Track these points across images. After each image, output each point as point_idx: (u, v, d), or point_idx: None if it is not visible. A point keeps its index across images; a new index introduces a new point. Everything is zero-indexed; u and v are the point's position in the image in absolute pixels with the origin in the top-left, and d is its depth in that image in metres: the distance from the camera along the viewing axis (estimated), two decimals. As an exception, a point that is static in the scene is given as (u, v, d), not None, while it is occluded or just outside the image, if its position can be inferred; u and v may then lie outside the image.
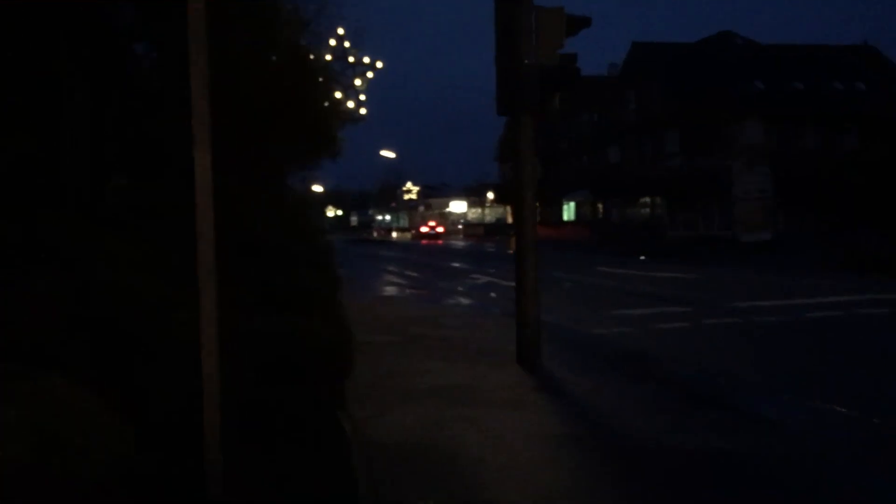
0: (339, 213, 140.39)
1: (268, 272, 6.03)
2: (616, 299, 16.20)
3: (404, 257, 39.18)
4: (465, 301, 16.87)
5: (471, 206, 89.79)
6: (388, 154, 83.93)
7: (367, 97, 18.96)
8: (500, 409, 6.72)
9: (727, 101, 45.89)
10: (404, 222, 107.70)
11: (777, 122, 46.10)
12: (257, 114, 13.77)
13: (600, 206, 60.24)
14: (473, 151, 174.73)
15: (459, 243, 58.70)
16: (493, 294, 17.71)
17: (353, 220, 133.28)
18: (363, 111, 18.98)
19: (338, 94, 18.31)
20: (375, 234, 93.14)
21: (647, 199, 53.39)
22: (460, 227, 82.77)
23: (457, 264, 30.86)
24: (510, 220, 71.61)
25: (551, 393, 7.49)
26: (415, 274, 26.02)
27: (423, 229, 78.49)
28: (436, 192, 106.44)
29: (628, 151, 55.78)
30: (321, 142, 17.51)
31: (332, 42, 17.92)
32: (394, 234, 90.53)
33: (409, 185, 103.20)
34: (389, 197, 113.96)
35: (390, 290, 19.20)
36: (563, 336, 11.16)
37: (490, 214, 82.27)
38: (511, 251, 9.10)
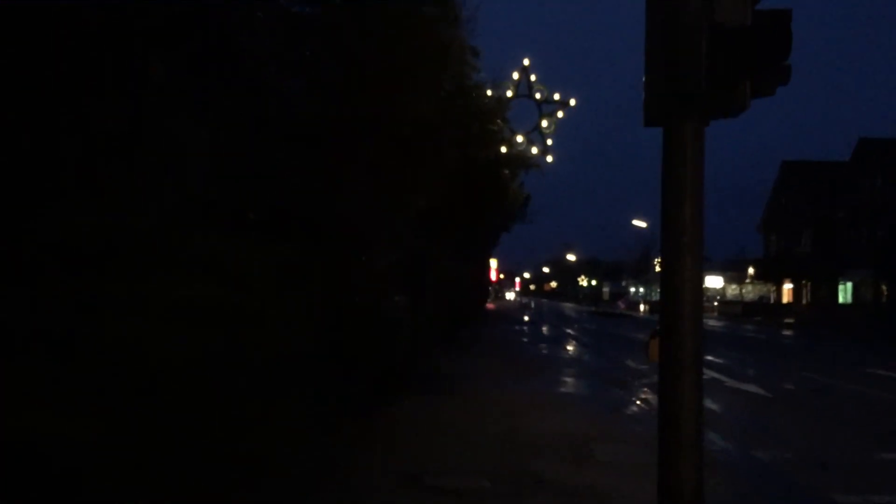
0: (593, 282, 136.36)
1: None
2: (886, 426, 11.03)
3: (634, 337, 34.27)
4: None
5: (728, 281, 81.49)
6: (639, 223, 78.97)
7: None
8: None
9: None
10: (656, 295, 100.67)
11: None
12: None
13: (884, 287, 50.97)
14: (734, 222, 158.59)
15: (710, 322, 52.13)
16: (709, 405, 11.60)
17: (605, 290, 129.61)
18: (549, 158, 15.40)
19: (519, 138, 14.94)
20: (622, 307, 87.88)
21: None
22: (715, 304, 74.96)
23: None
24: (774, 299, 63.64)
25: None
26: (631, 362, 21.48)
27: (669, 305, 71.90)
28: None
29: (922, 224, 46.78)
30: (491, 196, 14.17)
31: (515, 75, 14.58)
32: (641, 308, 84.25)
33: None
34: (644, 268, 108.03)
35: (568, 386, 14.97)
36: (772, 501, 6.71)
37: (750, 292, 73.95)
38: (653, 361, 5.01)
